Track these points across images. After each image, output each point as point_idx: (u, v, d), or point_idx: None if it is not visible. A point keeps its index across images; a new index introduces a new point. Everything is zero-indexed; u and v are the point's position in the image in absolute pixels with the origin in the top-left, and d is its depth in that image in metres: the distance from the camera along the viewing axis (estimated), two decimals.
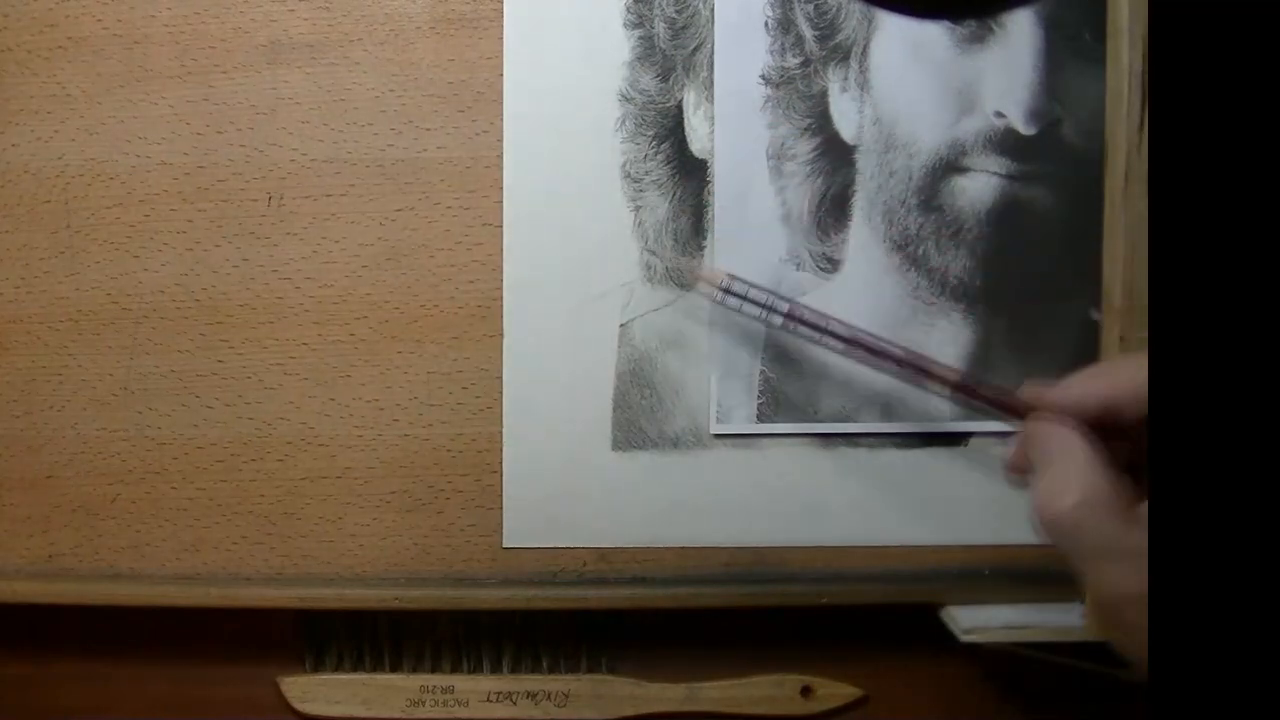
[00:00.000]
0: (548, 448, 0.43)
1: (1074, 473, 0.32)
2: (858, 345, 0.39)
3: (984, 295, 0.43)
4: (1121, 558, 0.30)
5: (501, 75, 0.43)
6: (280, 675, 0.47)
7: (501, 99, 0.43)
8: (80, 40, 0.43)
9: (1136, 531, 0.30)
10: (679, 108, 0.43)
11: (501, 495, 0.44)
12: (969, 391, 0.38)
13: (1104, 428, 0.34)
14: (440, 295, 0.43)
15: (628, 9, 0.42)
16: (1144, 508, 0.33)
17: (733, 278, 0.41)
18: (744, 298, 0.41)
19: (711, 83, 0.42)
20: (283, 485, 0.44)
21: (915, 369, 0.39)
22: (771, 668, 0.47)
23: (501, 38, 0.43)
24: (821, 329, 0.40)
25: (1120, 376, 0.33)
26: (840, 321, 0.40)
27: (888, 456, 0.44)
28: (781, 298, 0.41)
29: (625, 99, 0.43)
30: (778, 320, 0.40)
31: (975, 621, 0.42)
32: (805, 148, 0.43)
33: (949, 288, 0.43)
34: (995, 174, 0.42)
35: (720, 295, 0.41)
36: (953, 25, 0.42)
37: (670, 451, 0.43)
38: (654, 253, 0.41)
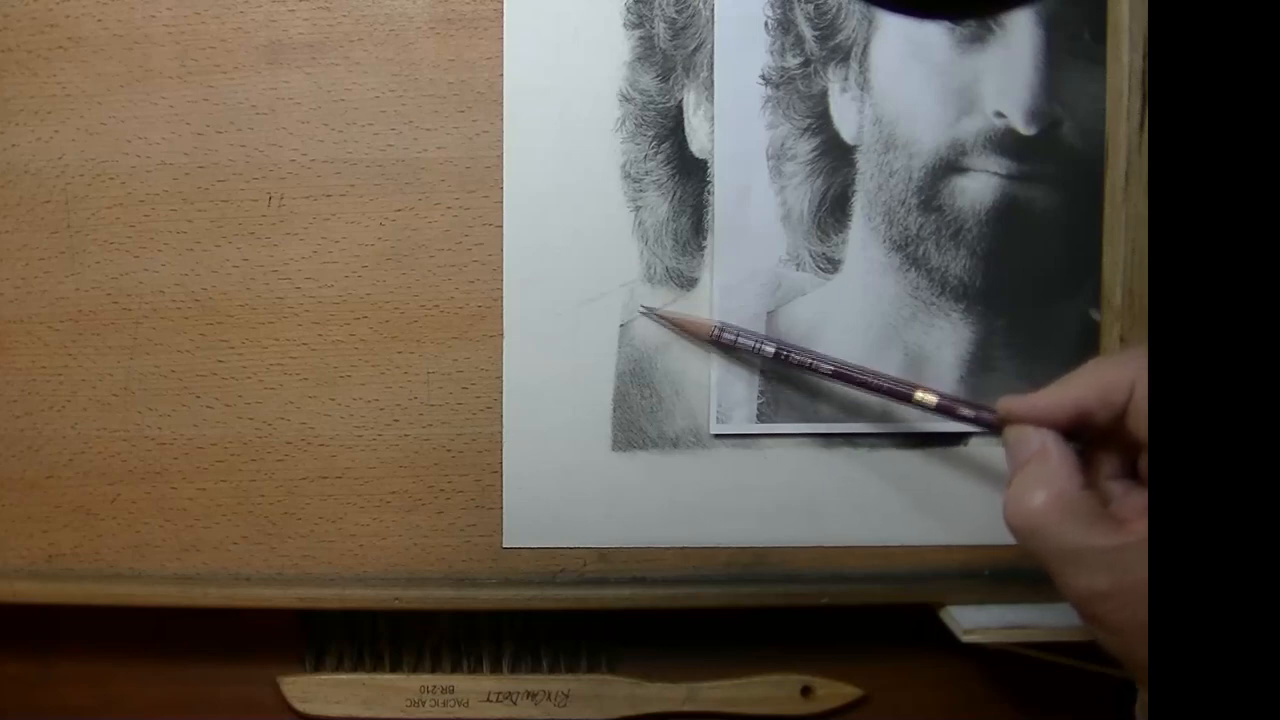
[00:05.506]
0: (548, 448, 0.43)
1: (1041, 475, 0.33)
2: (843, 379, 0.41)
3: (984, 295, 0.43)
4: (1086, 558, 0.31)
5: (501, 75, 0.43)
6: (280, 675, 0.47)
7: (501, 99, 0.43)
8: (80, 40, 0.43)
9: (1101, 533, 0.31)
10: (679, 108, 0.43)
11: (501, 495, 0.44)
12: (949, 411, 0.39)
13: (1082, 434, 0.34)
14: (440, 295, 0.43)
15: (628, 9, 0.42)
16: (1115, 510, 0.33)
17: (723, 327, 0.42)
18: (733, 345, 0.42)
19: (711, 83, 0.42)
20: (283, 485, 0.44)
21: (897, 396, 0.40)
22: (771, 668, 0.47)
23: (501, 38, 0.42)
24: (807, 367, 0.41)
25: (1088, 382, 0.34)
26: (825, 357, 0.41)
27: (888, 456, 0.44)
28: (769, 339, 0.42)
29: (625, 99, 0.43)
30: (769, 351, 0.41)
31: (975, 621, 0.42)
32: (805, 148, 0.43)
33: (949, 288, 0.43)
34: (995, 174, 0.42)
35: (711, 343, 0.43)
36: (953, 25, 0.42)
37: (670, 451, 0.43)
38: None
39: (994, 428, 0.37)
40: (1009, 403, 0.35)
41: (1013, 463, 0.35)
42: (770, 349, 0.41)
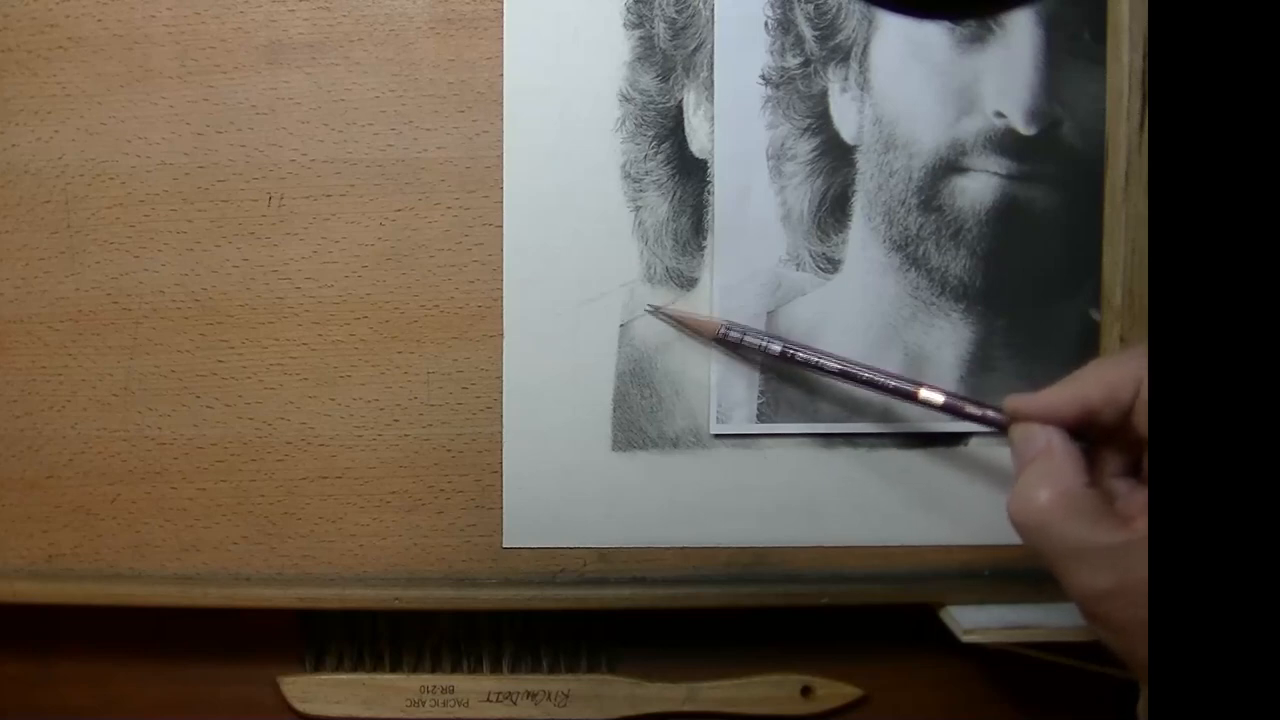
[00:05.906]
0: (548, 448, 0.43)
1: (1047, 473, 0.33)
2: (848, 378, 0.41)
3: (984, 295, 0.43)
4: (1090, 556, 0.31)
5: (501, 75, 0.43)
6: (280, 675, 0.47)
7: (501, 99, 0.43)
8: (80, 40, 0.43)
9: (1105, 531, 0.31)
10: (679, 108, 0.43)
11: (501, 495, 0.44)
12: (956, 410, 0.39)
13: (1088, 432, 0.34)
14: (440, 295, 0.43)
15: (628, 9, 0.42)
16: (1120, 508, 0.33)
17: (729, 326, 0.42)
18: (739, 344, 0.42)
19: (711, 83, 0.42)
20: (283, 485, 0.44)
21: (903, 394, 0.40)
22: (771, 668, 0.47)
23: (501, 38, 0.42)
24: (813, 365, 0.41)
25: (1094, 380, 0.34)
26: (832, 355, 0.41)
27: (888, 456, 0.44)
28: (775, 338, 0.41)
29: (625, 99, 0.43)
30: (776, 349, 0.41)
31: (975, 621, 0.42)
32: (805, 148, 0.43)
33: (949, 288, 0.43)
34: (995, 174, 0.42)
35: (717, 342, 0.43)
36: (953, 25, 0.42)
37: (670, 451, 0.43)
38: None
39: (1000, 426, 0.37)
40: (1015, 401, 0.35)
41: (1018, 460, 0.35)
42: (776, 347, 0.41)
